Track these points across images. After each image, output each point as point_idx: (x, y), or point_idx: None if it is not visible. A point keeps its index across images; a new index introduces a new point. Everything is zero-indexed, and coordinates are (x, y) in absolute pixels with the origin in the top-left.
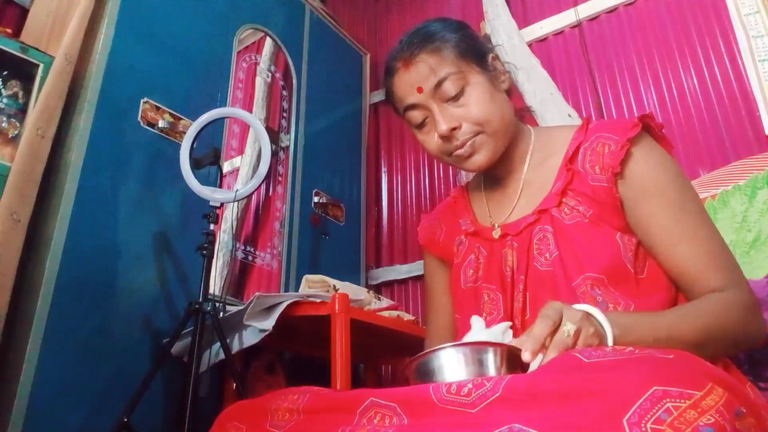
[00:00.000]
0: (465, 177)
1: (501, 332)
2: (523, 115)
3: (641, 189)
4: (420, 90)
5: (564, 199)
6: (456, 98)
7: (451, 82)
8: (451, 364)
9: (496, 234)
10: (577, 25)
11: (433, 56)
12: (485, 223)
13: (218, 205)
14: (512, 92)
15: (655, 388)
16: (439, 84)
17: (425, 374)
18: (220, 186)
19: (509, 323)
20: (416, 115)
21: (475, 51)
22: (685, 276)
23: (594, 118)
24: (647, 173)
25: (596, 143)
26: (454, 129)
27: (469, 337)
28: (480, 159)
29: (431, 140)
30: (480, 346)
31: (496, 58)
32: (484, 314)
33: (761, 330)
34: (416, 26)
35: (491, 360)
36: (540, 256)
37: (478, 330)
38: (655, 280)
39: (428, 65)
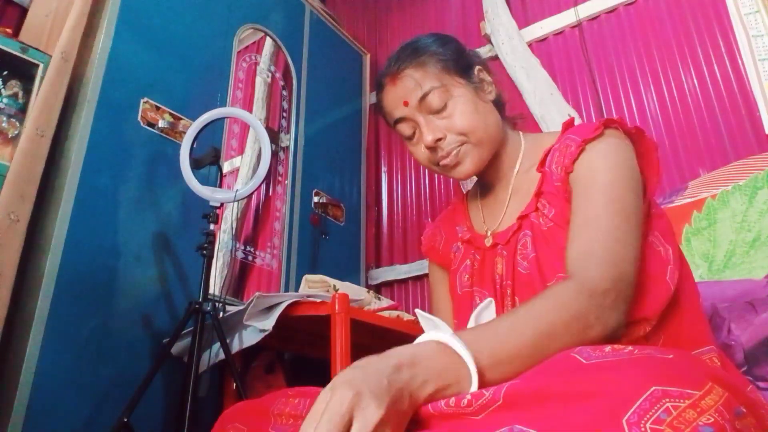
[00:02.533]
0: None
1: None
2: (515, 122)
3: (578, 181)
4: (406, 103)
5: (539, 203)
6: (441, 111)
7: (436, 95)
8: None
9: (488, 242)
10: (577, 25)
11: (417, 71)
12: (480, 230)
13: (218, 205)
14: (504, 102)
15: (654, 388)
16: (423, 97)
17: None
18: (220, 186)
19: (490, 299)
20: (405, 128)
21: (460, 64)
22: (568, 265)
23: (594, 118)
24: (586, 166)
25: (563, 145)
26: (439, 140)
27: None
28: (465, 168)
29: (420, 151)
30: None
31: (483, 69)
32: None
33: (616, 318)
34: (404, 42)
35: None
36: (523, 260)
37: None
38: None
39: (413, 80)
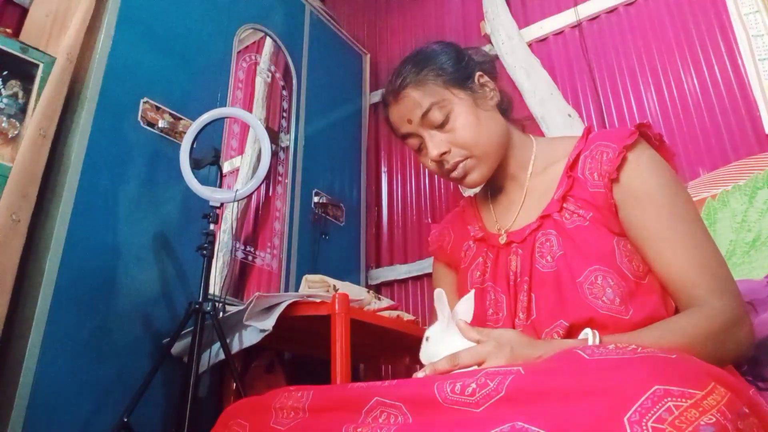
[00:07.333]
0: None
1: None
2: (524, 125)
3: (632, 193)
4: (410, 121)
5: (565, 205)
6: (443, 125)
7: (436, 111)
8: None
9: (503, 240)
10: (577, 25)
11: (416, 89)
12: (492, 229)
13: (218, 205)
14: (508, 103)
15: (656, 387)
16: (424, 114)
17: None
18: (220, 186)
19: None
20: (413, 143)
21: (458, 76)
22: (673, 282)
23: (594, 118)
24: (638, 177)
25: (595, 151)
26: (444, 153)
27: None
28: (474, 178)
29: (429, 163)
30: None
31: (484, 74)
32: (491, 311)
33: (747, 343)
34: (404, 57)
35: None
36: (542, 258)
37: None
38: (654, 283)
39: (413, 98)
